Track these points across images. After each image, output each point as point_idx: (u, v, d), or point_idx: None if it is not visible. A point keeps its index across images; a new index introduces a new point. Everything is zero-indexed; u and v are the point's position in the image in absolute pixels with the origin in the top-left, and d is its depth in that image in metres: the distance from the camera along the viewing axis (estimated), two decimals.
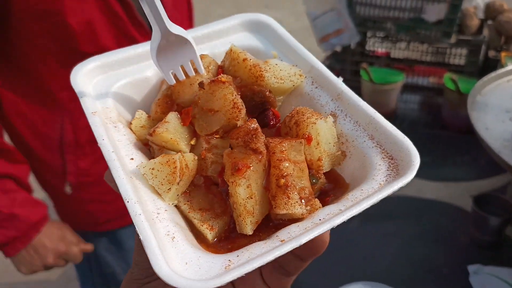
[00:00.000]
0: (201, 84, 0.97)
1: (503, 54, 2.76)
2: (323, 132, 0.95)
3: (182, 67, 1.04)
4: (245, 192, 0.84)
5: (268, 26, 1.20)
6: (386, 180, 0.88)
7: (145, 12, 0.87)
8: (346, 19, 2.74)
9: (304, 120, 0.96)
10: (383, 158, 0.93)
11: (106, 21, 1.62)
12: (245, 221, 0.84)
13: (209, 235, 0.86)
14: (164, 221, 0.81)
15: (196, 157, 0.93)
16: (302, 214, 0.85)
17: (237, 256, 0.77)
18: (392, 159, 0.92)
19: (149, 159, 0.95)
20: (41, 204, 1.93)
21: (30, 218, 1.82)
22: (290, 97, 1.11)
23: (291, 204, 0.84)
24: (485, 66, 2.98)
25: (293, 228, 0.82)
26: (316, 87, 1.08)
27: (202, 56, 1.10)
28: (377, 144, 0.95)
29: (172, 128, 0.95)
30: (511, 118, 2.08)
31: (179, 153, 0.89)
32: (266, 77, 1.03)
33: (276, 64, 1.07)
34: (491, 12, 2.98)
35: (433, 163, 2.41)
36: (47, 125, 1.79)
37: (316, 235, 0.77)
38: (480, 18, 2.98)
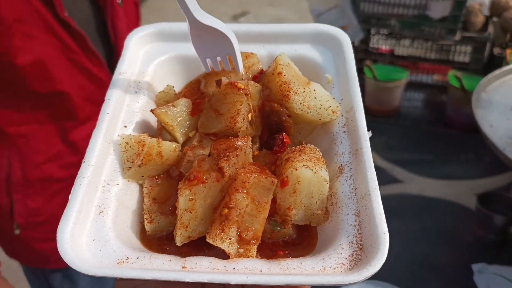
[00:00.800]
0: (218, 82, 0.94)
1: (508, 51, 2.68)
2: (306, 183, 0.84)
3: (220, 61, 1.02)
4: (185, 204, 0.81)
5: (339, 45, 1.08)
6: (334, 269, 0.74)
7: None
8: (350, 16, 2.67)
9: (293, 161, 0.85)
10: (352, 243, 0.78)
11: (58, 56, 1.50)
12: (176, 231, 0.82)
13: (146, 226, 0.87)
14: (107, 193, 0.85)
15: (179, 149, 0.93)
16: (228, 253, 0.79)
17: (137, 258, 0.77)
18: (360, 249, 0.77)
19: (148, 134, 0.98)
20: None
21: None
22: (319, 129, 1.00)
23: (221, 238, 0.78)
24: (490, 64, 2.83)
25: (204, 261, 0.76)
26: (344, 132, 0.95)
27: (248, 55, 1.06)
28: (358, 225, 0.80)
29: (173, 113, 0.95)
30: None
31: (156, 139, 0.90)
32: (292, 100, 0.94)
33: (315, 90, 0.96)
34: (496, 9, 2.90)
35: (436, 161, 2.35)
36: None
37: (212, 281, 0.71)
38: (485, 15, 2.88)
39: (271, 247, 0.86)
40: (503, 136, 1.91)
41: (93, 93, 1.63)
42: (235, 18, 5.77)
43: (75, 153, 1.65)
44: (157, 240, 0.88)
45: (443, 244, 2.05)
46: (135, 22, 1.81)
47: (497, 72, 2.30)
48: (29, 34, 1.41)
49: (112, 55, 1.72)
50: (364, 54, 2.94)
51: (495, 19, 2.97)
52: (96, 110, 1.28)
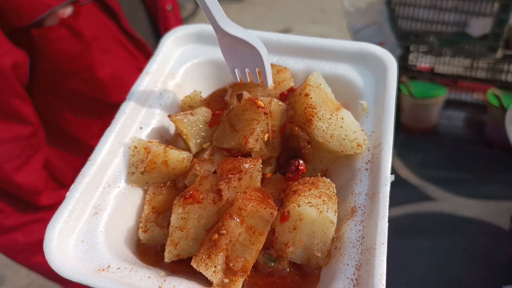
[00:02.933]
0: (239, 96, 0.89)
1: None
2: (309, 222, 0.76)
3: (249, 72, 0.96)
4: (177, 221, 0.78)
5: (384, 69, 0.97)
6: None
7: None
8: (388, 33, 2.63)
9: (299, 195, 0.78)
10: None
11: (128, 66, 1.56)
12: (166, 247, 0.79)
13: (140, 234, 0.84)
14: (107, 195, 0.84)
15: (187, 160, 0.89)
16: (212, 282, 0.74)
17: (118, 268, 0.75)
18: None
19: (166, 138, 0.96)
20: None
21: None
22: (343, 160, 0.91)
23: (206, 264, 0.74)
24: None
25: (183, 285, 0.73)
26: (367, 169, 0.85)
27: (280, 70, 0.99)
28: (356, 279, 0.71)
29: (189, 122, 0.92)
30: None
31: (163, 147, 0.87)
32: (314, 126, 0.86)
33: (343, 118, 0.87)
34: None
35: (474, 180, 2.28)
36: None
37: None
38: None
39: (265, 280, 0.79)
40: None
41: None
42: None
43: None
44: (152, 250, 0.86)
45: (475, 264, 1.98)
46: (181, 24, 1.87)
47: None
48: (104, 48, 1.48)
49: None
50: (402, 71, 2.85)
51: None
52: None
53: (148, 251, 0.86)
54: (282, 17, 6.15)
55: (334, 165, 0.92)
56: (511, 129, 1.94)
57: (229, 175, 0.79)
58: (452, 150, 2.51)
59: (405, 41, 2.71)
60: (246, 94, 0.89)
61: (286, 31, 5.87)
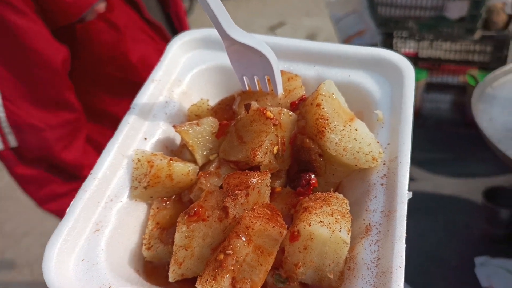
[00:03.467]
0: (247, 106, 0.85)
1: None
2: (320, 242, 0.71)
3: (258, 80, 0.92)
4: (181, 240, 0.74)
5: (400, 77, 0.92)
6: None
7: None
8: (368, 20, 2.73)
9: (310, 213, 0.73)
10: None
11: (152, 49, 1.76)
12: (170, 267, 0.75)
13: (144, 252, 0.81)
14: (109, 210, 0.80)
15: (191, 173, 0.85)
16: None
17: None
18: None
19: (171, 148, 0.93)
20: None
21: None
22: (356, 173, 0.86)
23: (212, 286, 0.70)
24: None
25: None
26: (382, 184, 0.80)
27: (291, 78, 0.94)
28: None
29: (195, 133, 0.88)
30: None
31: (167, 161, 0.83)
32: (326, 138, 0.81)
33: (357, 130, 0.83)
34: None
35: (453, 160, 2.42)
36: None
37: None
38: (509, 14, 2.82)
39: None
40: (500, 129, 1.95)
41: None
42: (272, 30, 5.81)
43: None
44: (160, 269, 0.83)
45: (451, 239, 2.11)
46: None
47: (505, 68, 2.25)
48: (133, 36, 1.68)
49: None
50: None
51: None
52: None
53: (156, 271, 0.83)
54: (276, 11, 6.20)
55: (348, 178, 0.87)
56: (476, 106, 2.00)
57: (236, 191, 0.75)
58: (436, 132, 2.61)
59: (385, 28, 2.75)
60: (254, 104, 0.84)
61: (280, 24, 5.90)
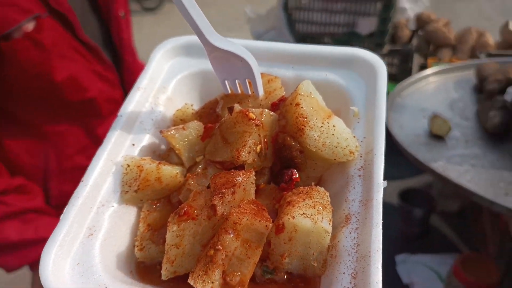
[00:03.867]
0: (230, 109, 0.89)
1: (429, 60, 3.00)
2: (304, 233, 0.76)
3: (239, 83, 0.96)
4: (173, 239, 0.78)
5: (374, 74, 0.97)
6: None
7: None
8: (287, 36, 2.90)
9: (293, 206, 0.78)
10: None
11: (83, 69, 1.76)
12: (163, 265, 0.79)
13: (136, 253, 0.84)
14: (101, 215, 0.83)
15: (180, 175, 0.89)
16: None
17: None
18: None
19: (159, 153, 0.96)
20: None
21: None
22: (336, 166, 0.91)
23: (204, 280, 0.74)
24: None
25: None
26: (359, 176, 0.85)
27: (271, 79, 0.99)
28: None
29: (181, 137, 0.92)
30: (424, 116, 2.23)
31: (156, 164, 0.87)
32: (306, 135, 0.86)
33: (334, 126, 0.87)
34: (420, 23, 3.26)
35: None
36: (32, 156, 1.88)
37: None
38: (412, 30, 3.28)
39: None
40: (410, 135, 2.13)
41: (110, 93, 1.90)
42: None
43: (100, 145, 1.88)
44: (152, 269, 0.86)
45: None
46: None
47: (411, 79, 2.49)
48: (62, 54, 1.68)
49: (116, 58, 1.99)
50: None
51: (420, 32, 3.27)
52: (115, 106, 1.87)
53: (148, 270, 0.86)
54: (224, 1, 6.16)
55: (328, 172, 0.92)
56: (389, 115, 2.13)
57: (223, 190, 0.79)
58: None
59: (303, 43, 2.95)
60: (237, 107, 0.89)
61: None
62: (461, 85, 2.59)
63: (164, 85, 1.04)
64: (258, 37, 3.03)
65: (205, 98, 1.08)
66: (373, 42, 2.90)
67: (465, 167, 1.99)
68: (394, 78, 2.93)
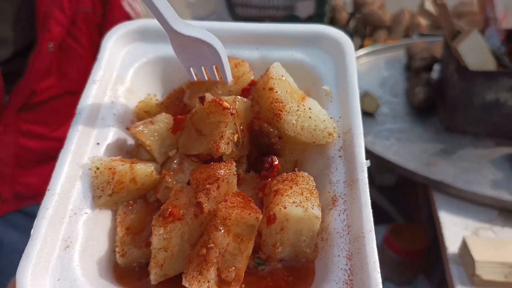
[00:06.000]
0: (201, 99, 0.84)
1: (366, 41, 3.14)
2: (295, 221, 0.75)
3: (205, 68, 0.91)
4: (160, 242, 0.73)
5: (342, 51, 0.96)
6: None
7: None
8: (227, 20, 2.96)
9: (282, 195, 0.77)
10: None
11: None
12: (150, 270, 0.75)
13: (118, 259, 0.79)
14: (74, 224, 0.77)
15: (155, 172, 0.84)
16: None
17: None
18: None
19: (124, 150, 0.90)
20: None
21: None
22: (313, 148, 0.90)
23: (199, 281, 0.71)
24: None
25: None
26: (340, 156, 0.85)
27: (238, 63, 0.95)
28: (349, 269, 0.72)
29: (151, 132, 0.86)
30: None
31: (129, 164, 0.81)
32: (284, 120, 0.84)
33: (310, 108, 0.86)
34: (357, 6, 3.34)
35: None
36: None
37: None
38: (349, 12, 3.38)
39: (260, 282, 0.78)
40: None
41: None
42: None
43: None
44: (131, 273, 0.81)
45: None
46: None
47: None
48: None
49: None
50: None
51: (358, 15, 3.40)
52: None
53: (127, 274, 0.81)
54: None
55: (304, 154, 0.92)
56: None
57: (207, 185, 0.76)
58: None
59: None
60: (208, 96, 0.84)
61: None
62: (392, 64, 2.73)
63: (121, 75, 0.96)
64: (200, 21, 3.02)
65: (167, 86, 1.01)
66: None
67: (391, 141, 2.10)
68: None
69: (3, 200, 1.88)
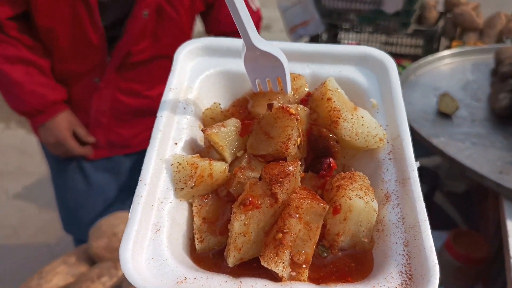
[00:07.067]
0: (270, 106, 0.96)
1: (454, 43, 3.04)
2: (357, 212, 0.86)
3: (269, 80, 1.03)
4: (240, 228, 0.83)
5: (385, 69, 1.09)
6: None
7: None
8: (312, 11, 2.97)
9: (345, 189, 0.88)
10: (401, 272, 0.80)
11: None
12: (228, 253, 0.84)
13: (197, 245, 0.89)
14: (162, 211, 0.87)
15: (228, 170, 0.95)
16: (281, 277, 0.81)
17: (195, 278, 0.79)
18: (410, 279, 0.79)
19: (197, 151, 1.01)
20: (61, 89, 2.11)
21: (49, 97, 2.02)
22: (363, 153, 1.02)
23: (275, 261, 0.81)
24: None
25: (259, 284, 0.79)
26: (390, 159, 0.97)
27: (296, 77, 1.07)
28: (407, 255, 0.82)
29: (223, 134, 0.97)
30: (435, 95, 2.27)
31: (208, 161, 0.92)
32: (341, 126, 0.96)
33: (362, 117, 0.98)
34: (449, 5, 3.29)
35: None
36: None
37: None
38: (440, 11, 3.28)
39: (322, 271, 0.88)
40: (417, 111, 2.16)
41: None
42: None
43: None
44: (206, 259, 0.91)
45: None
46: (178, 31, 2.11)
47: (429, 58, 2.53)
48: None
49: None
50: None
51: (449, 15, 3.30)
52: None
53: (203, 260, 0.91)
54: None
55: (352, 160, 1.03)
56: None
57: (280, 179, 0.86)
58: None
59: (328, 19, 2.98)
60: (276, 103, 0.96)
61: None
62: (479, 67, 2.60)
63: (190, 85, 1.08)
64: (284, 10, 3.01)
65: (227, 96, 1.13)
66: (398, 21, 2.89)
67: (466, 144, 1.99)
68: (418, 59, 2.88)
69: (99, 146, 2.20)
